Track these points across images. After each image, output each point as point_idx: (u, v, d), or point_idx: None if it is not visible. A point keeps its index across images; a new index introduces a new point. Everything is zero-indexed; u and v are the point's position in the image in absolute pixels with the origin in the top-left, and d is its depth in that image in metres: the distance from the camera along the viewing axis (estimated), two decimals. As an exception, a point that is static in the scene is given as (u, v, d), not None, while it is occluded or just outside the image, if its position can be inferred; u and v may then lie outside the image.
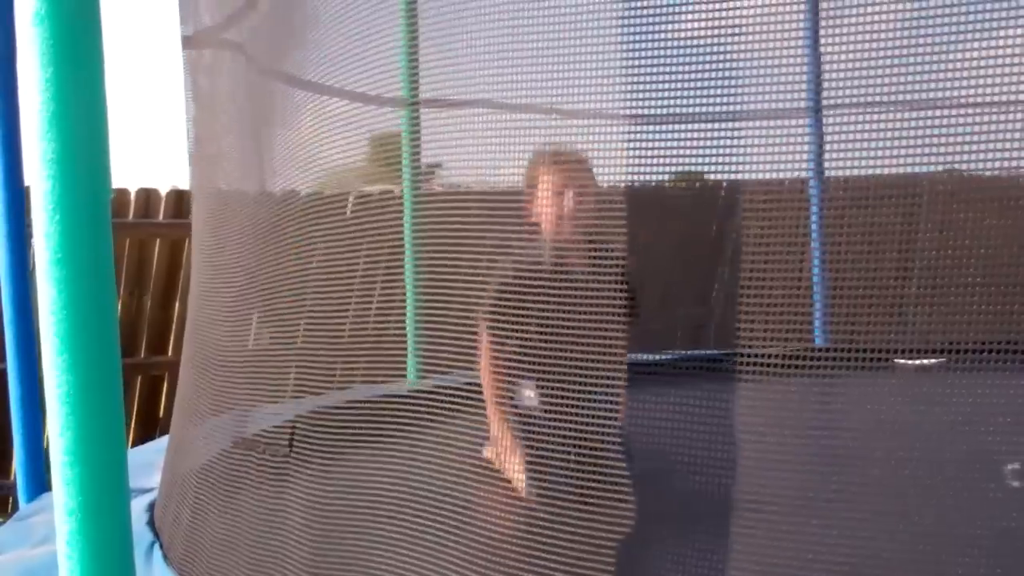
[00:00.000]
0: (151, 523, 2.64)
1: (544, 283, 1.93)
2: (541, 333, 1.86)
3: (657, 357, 2.55)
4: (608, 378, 1.93)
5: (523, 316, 1.94)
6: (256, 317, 2.43)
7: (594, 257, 2.04)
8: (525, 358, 1.90)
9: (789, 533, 1.69)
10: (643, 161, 1.84)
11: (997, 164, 1.50)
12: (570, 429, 1.84)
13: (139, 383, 6.03)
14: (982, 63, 1.48)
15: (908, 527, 1.72)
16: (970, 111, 1.49)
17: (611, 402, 1.94)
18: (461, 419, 1.90)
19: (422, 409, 1.93)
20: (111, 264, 1.25)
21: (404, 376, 2.49)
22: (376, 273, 2.27)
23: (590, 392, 1.85)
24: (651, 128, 1.80)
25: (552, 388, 1.91)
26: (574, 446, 1.84)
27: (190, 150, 2.91)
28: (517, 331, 1.94)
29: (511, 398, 2.14)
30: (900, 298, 1.63)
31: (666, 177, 1.99)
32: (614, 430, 1.91)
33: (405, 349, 2.39)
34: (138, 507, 2.74)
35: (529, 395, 2.06)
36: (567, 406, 1.83)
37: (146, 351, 6.08)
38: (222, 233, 2.65)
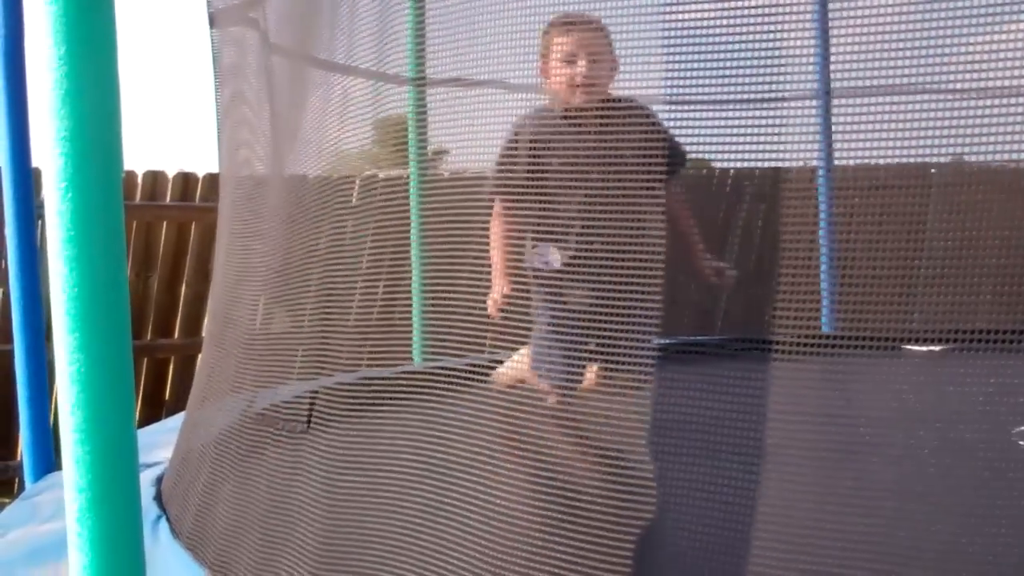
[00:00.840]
0: (157, 497, 2.65)
1: (558, 134, 1.87)
2: (559, 191, 1.80)
3: (664, 342, 2.54)
4: (642, 236, 1.80)
5: (538, 172, 1.89)
6: (280, 297, 2.44)
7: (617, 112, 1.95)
8: (544, 221, 1.84)
9: (804, 515, 1.69)
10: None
11: (1007, 152, 1.49)
12: (599, 298, 1.75)
13: (145, 365, 6.04)
14: (993, 50, 1.47)
15: (922, 507, 1.72)
16: (980, 99, 1.49)
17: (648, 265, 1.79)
18: (477, 394, 1.89)
19: (436, 385, 1.93)
20: (123, 241, 1.25)
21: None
22: (395, 255, 2.28)
23: (621, 254, 1.76)
24: (660, 111, 1.80)
25: (578, 248, 1.85)
26: (601, 322, 1.73)
27: (218, 130, 2.92)
28: (533, 188, 1.89)
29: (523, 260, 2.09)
30: (909, 285, 1.63)
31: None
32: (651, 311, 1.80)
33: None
34: (144, 481, 2.75)
35: (554, 256, 1.98)
36: (596, 267, 1.74)
37: (152, 334, 6.10)
38: (247, 213, 2.66)
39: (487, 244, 2.10)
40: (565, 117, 2.12)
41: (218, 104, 2.95)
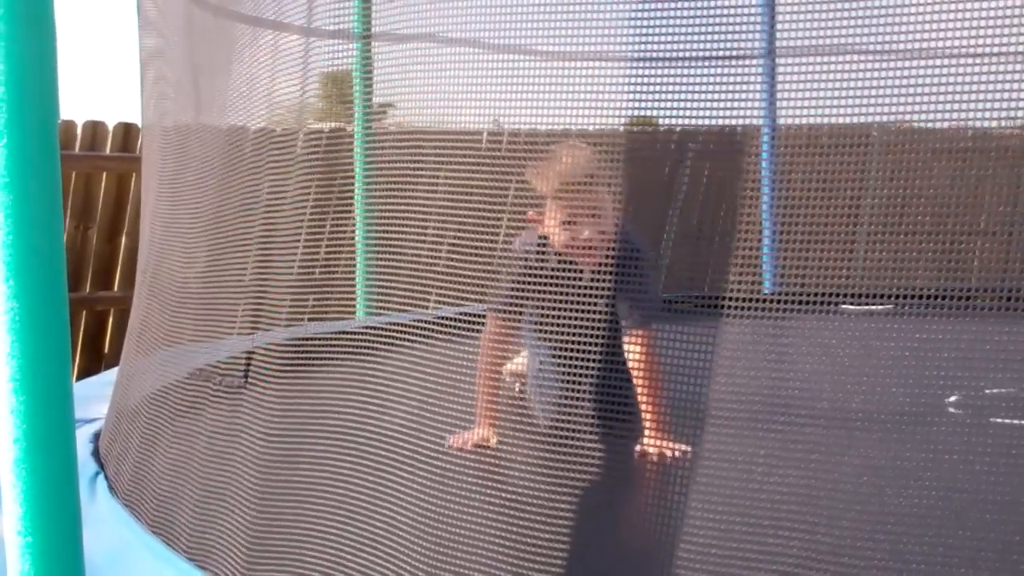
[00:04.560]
0: (95, 454, 2.63)
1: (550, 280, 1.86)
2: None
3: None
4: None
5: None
6: (212, 250, 2.42)
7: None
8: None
9: (736, 469, 1.72)
10: (598, 102, 1.84)
11: (949, 115, 1.51)
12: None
13: (84, 318, 5.97)
14: (938, 15, 1.48)
15: (851, 461, 1.76)
16: (926, 62, 1.50)
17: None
18: (413, 352, 1.90)
19: (375, 343, 1.92)
20: (59, 187, 1.24)
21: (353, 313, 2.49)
22: (330, 209, 2.26)
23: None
24: (607, 69, 1.80)
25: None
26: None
27: (142, 81, 2.88)
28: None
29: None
30: (849, 244, 1.65)
31: (620, 119, 1.99)
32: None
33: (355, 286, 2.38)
34: (83, 437, 2.72)
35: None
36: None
37: (91, 286, 6.02)
38: (177, 165, 2.62)
39: (431, 201, 2.07)
40: (559, 259, 2.07)
41: (141, 53, 2.91)
